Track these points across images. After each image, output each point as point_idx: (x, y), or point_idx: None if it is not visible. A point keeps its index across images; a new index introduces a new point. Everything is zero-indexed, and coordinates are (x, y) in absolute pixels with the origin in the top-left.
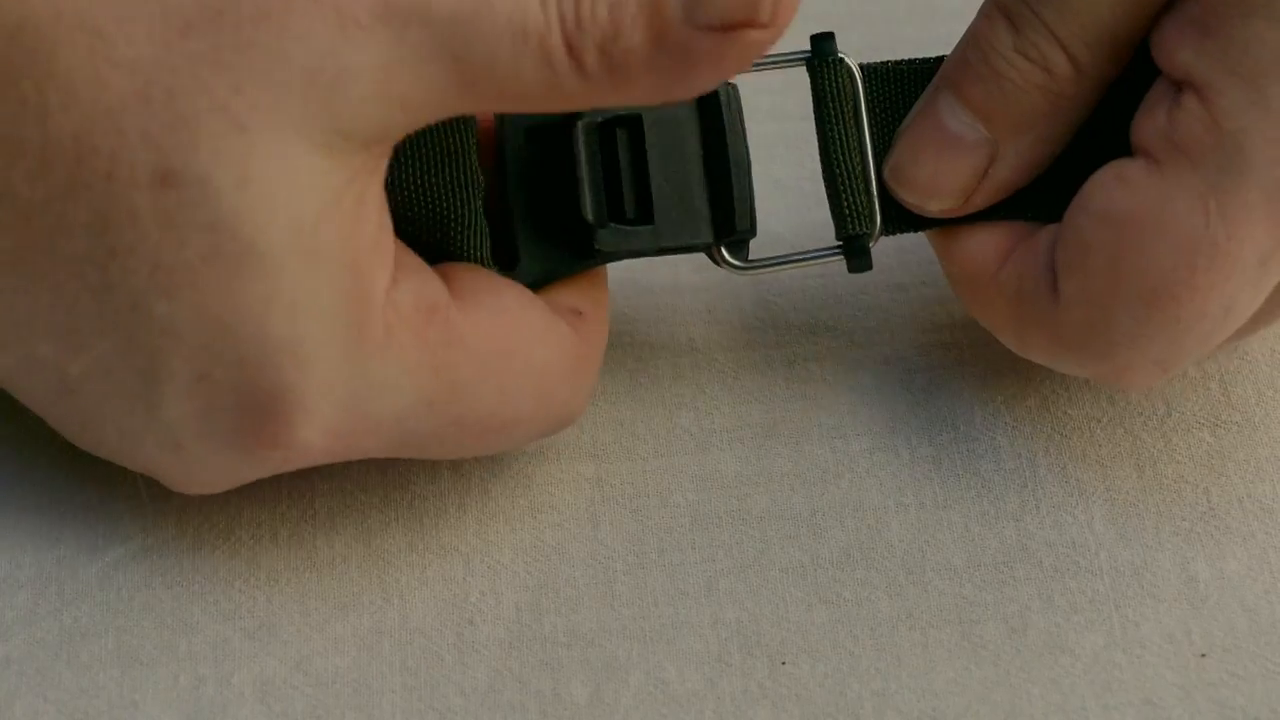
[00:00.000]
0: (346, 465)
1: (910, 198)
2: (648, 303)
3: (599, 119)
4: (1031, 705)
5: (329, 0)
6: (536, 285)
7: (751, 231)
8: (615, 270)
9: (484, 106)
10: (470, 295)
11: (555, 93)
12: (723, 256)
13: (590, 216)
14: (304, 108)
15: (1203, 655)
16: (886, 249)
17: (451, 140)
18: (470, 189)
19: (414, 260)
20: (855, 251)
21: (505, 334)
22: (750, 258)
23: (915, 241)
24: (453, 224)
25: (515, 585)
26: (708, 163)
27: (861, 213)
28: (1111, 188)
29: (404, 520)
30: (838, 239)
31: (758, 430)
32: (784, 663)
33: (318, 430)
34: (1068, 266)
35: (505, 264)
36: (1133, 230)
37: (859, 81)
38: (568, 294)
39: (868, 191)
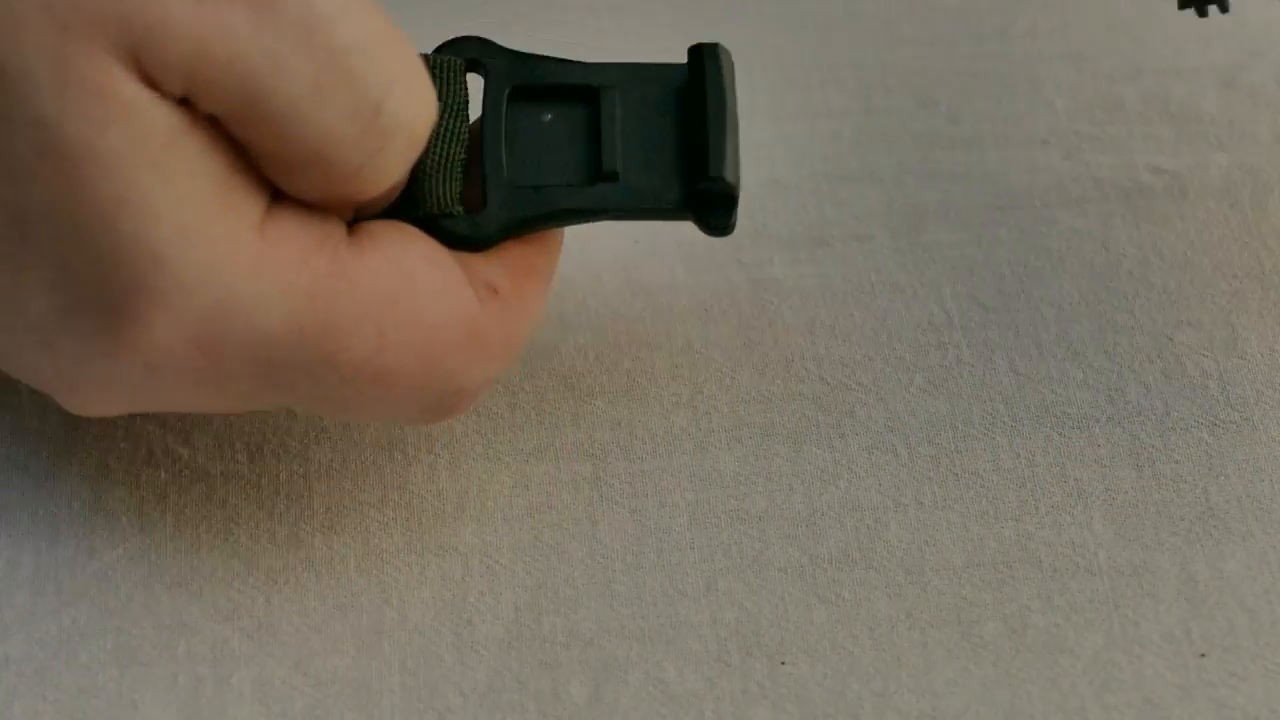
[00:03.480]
0: (345, 464)
1: None
2: (644, 302)
3: (572, 82)
4: (1031, 705)
5: None
6: (503, 235)
7: (724, 185)
8: (613, 269)
9: (259, 131)
10: (370, 237)
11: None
12: (697, 220)
13: (564, 171)
14: (120, 21)
15: (1202, 655)
16: (886, 249)
17: (445, 92)
18: (452, 139)
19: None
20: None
21: (395, 278)
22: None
23: (913, 242)
24: (428, 167)
25: (514, 585)
26: (687, 122)
27: None
28: None
29: (402, 520)
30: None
31: (756, 430)
32: (783, 663)
33: (179, 335)
34: None
35: (474, 207)
36: None
37: None
38: (490, 268)
39: None
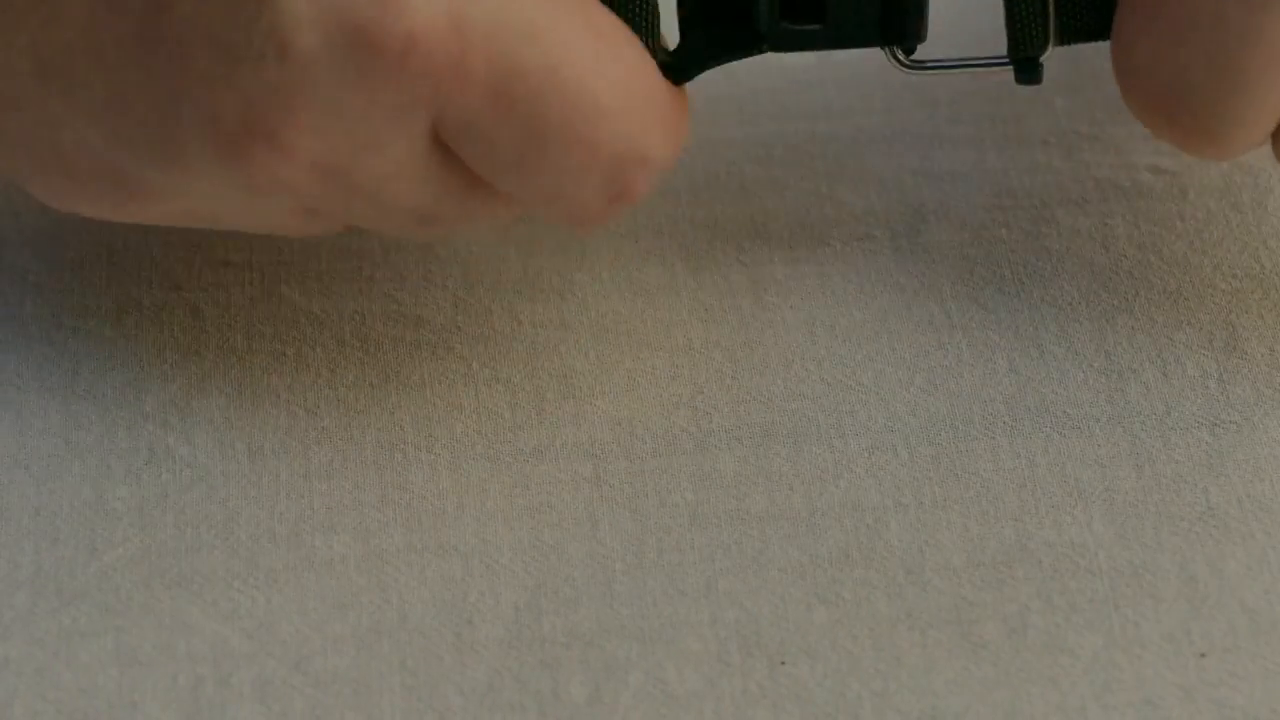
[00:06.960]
0: (345, 464)
1: None
2: (644, 303)
3: None
4: (1031, 705)
5: None
6: (696, 69)
7: (921, 35)
8: (613, 269)
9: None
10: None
11: None
12: (893, 54)
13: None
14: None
15: (1202, 655)
16: (886, 249)
17: None
18: None
19: None
20: (1025, 67)
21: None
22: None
23: (913, 243)
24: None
25: (514, 585)
26: None
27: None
28: None
29: (402, 520)
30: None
31: (756, 430)
32: (783, 663)
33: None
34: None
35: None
36: None
37: None
38: None
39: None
